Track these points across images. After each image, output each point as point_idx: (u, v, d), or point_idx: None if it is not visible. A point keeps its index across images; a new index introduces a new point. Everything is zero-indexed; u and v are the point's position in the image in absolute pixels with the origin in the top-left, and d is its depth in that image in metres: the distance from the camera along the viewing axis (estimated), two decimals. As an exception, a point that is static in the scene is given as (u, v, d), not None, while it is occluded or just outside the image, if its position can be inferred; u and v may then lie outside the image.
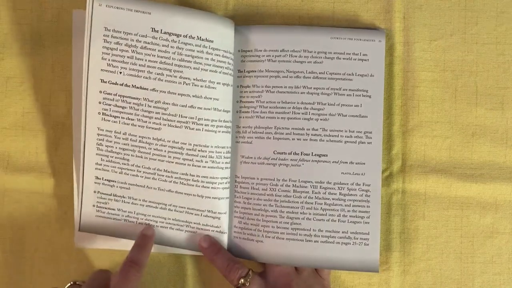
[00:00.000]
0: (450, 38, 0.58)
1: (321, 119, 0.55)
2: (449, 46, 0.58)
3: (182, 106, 0.53)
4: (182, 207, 0.55)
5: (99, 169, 0.55)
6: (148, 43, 0.53)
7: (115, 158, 0.55)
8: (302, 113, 0.55)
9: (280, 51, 0.56)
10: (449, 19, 0.58)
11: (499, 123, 0.57)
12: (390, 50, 0.57)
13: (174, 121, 0.54)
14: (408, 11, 0.58)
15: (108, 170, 0.55)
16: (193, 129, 0.54)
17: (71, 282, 0.57)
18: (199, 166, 0.54)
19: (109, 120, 0.54)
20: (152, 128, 0.54)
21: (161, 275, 0.59)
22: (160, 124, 0.54)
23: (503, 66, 0.58)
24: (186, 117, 0.54)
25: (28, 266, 0.59)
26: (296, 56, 0.55)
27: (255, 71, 0.56)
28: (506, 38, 0.58)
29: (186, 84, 0.53)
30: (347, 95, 0.55)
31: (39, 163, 0.59)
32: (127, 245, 0.58)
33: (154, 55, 0.53)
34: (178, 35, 0.53)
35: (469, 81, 0.58)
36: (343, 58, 0.55)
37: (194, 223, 0.56)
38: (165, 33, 0.53)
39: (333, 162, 0.55)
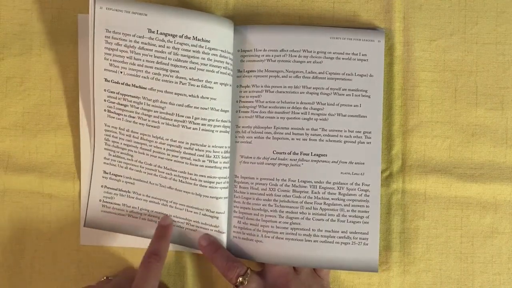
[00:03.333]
0: (450, 38, 0.58)
1: (320, 119, 0.55)
2: (449, 46, 0.58)
3: (179, 105, 0.54)
4: (181, 205, 0.56)
5: (107, 164, 0.57)
6: (145, 43, 0.53)
7: (121, 153, 0.56)
8: (302, 113, 0.55)
9: (280, 51, 0.56)
10: (449, 19, 0.58)
11: (499, 123, 0.57)
12: (390, 50, 0.57)
13: (171, 120, 0.54)
14: (408, 11, 0.58)
15: (115, 165, 0.57)
16: (190, 128, 0.54)
17: (104, 277, 0.58)
18: (197, 165, 0.55)
19: (113, 117, 0.55)
20: (152, 126, 0.55)
21: (161, 275, 0.59)
22: (159, 123, 0.54)
23: (503, 66, 0.57)
24: (183, 116, 0.54)
25: (28, 266, 0.59)
26: (295, 56, 0.55)
27: (255, 71, 0.56)
28: (506, 38, 0.57)
29: (183, 84, 0.53)
30: (347, 95, 0.55)
31: (39, 163, 0.59)
32: (129, 243, 0.58)
33: (151, 55, 0.53)
34: (174, 36, 0.53)
35: (469, 81, 0.58)
36: (343, 58, 0.55)
37: (194, 221, 0.56)
38: (161, 33, 0.53)
39: (332, 162, 0.55)
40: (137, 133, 0.55)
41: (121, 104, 0.55)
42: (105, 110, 0.55)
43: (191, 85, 0.54)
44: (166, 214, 0.57)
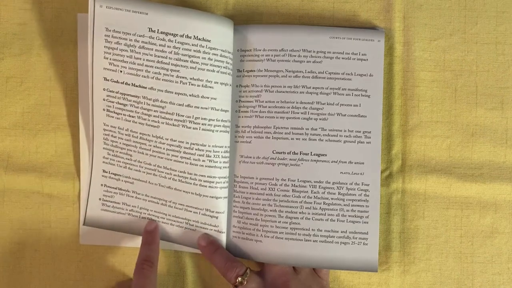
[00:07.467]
0: (450, 38, 0.58)
1: (320, 119, 0.55)
2: (449, 46, 0.58)
3: (179, 105, 0.54)
4: (181, 204, 0.56)
5: (106, 163, 0.57)
6: (146, 42, 0.53)
7: (120, 152, 0.56)
8: (301, 113, 0.55)
9: (279, 50, 0.56)
10: (449, 19, 0.58)
11: (499, 123, 0.57)
12: (390, 50, 0.57)
13: (171, 119, 0.54)
14: (408, 11, 0.58)
15: (114, 164, 0.57)
16: (190, 128, 0.54)
17: None
18: (197, 165, 0.54)
19: (112, 117, 0.55)
20: (151, 126, 0.54)
21: (161, 275, 0.59)
22: (159, 122, 0.54)
23: (503, 66, 0.57)
24: (183, 115, 0.54)
25: (28, 266, 0.59)
26: (295, 56, 0.55)
27: (254, 71, 0.56)
28: (506, 38, 0.57)
29: (183, 83, 0.53)
30: (346, 95, 0.55)
31: (39, 163, 0.59)
32: (128, 242, 0.59)
33: (152, 55, 0.53)
34: (174, 35, 0.53)
35: (469, 81, 0.58)
36: (342, 58, 0.55)
37: (193, 221, 0.56)
38: (161, 33, 0.53)
39: (332, 161, 0.55)
40: (137, 132, 0.55)
41: (121, 104, 0.55)
42: (104, 110, 0.55)
43: (192, 84, 0.53)
44: (151, 219, 0.57)
